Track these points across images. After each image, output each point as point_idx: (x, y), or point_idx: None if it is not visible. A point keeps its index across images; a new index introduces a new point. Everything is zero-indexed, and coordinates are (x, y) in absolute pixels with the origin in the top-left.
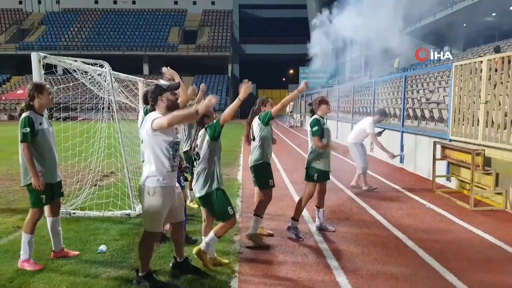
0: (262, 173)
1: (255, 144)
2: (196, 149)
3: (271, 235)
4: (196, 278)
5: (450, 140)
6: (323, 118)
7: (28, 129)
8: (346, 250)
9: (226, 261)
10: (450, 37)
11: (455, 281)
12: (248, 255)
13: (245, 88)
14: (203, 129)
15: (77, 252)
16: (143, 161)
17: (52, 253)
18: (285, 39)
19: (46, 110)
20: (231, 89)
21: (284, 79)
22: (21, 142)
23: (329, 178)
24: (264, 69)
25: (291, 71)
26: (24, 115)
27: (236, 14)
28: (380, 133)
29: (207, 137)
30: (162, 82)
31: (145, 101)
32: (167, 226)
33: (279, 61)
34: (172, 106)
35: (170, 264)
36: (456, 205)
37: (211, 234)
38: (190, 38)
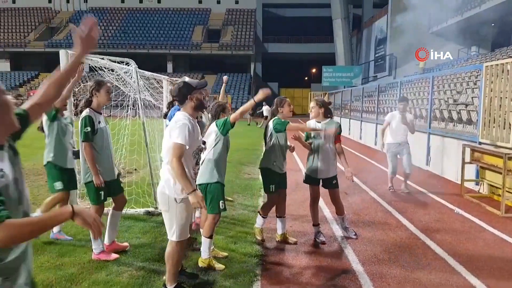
0: (265, 178)
1: (265, 148)
2: (203, 138)
3: (295, 243)
4: (217, 278)
5: (480, 143)
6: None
7: (89, 129)
8: (372, 255)
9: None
10: (478, 36)
11: None
12: (271, 258)
13: (264, 91)
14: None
15: (126, 244)
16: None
17: (105, 246)
18: (308, 38)
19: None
20: (253, 88)
21: (306, 78)
22: (83, 141)
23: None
24: (287, 68)
25: (314, 70)
26: (84, 114)
27: (259, 13)
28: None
29: (215, 129)
30: (188, 79)
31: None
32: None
33: (302, 60)
34: (200, 106)
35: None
36: (486, 211)
37: (202, 239)
38: (214, 37)
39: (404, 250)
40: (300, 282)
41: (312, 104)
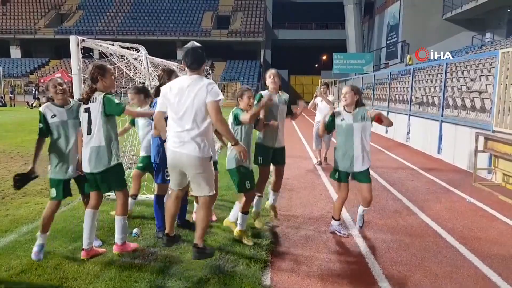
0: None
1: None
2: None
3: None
4: (228, 265)
5: (494, 131)
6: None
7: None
8: (382, 243)
9: (251, 243)
10: (492, 22)
11: (499, 281)
12: (281, 246)
13: (265, 99)
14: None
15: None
16: None
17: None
18: (319, 24)
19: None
20: (262, 75)
21: (317, 65)
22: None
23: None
24: (297, 55)
25: (324, 57)
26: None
27: None
28: None
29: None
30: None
31: None
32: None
33: (312, 47)
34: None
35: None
36: (499, 199)
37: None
38: (223, 23)
39: (414, 238)
40: (310, 269)
41: (345, 90)
